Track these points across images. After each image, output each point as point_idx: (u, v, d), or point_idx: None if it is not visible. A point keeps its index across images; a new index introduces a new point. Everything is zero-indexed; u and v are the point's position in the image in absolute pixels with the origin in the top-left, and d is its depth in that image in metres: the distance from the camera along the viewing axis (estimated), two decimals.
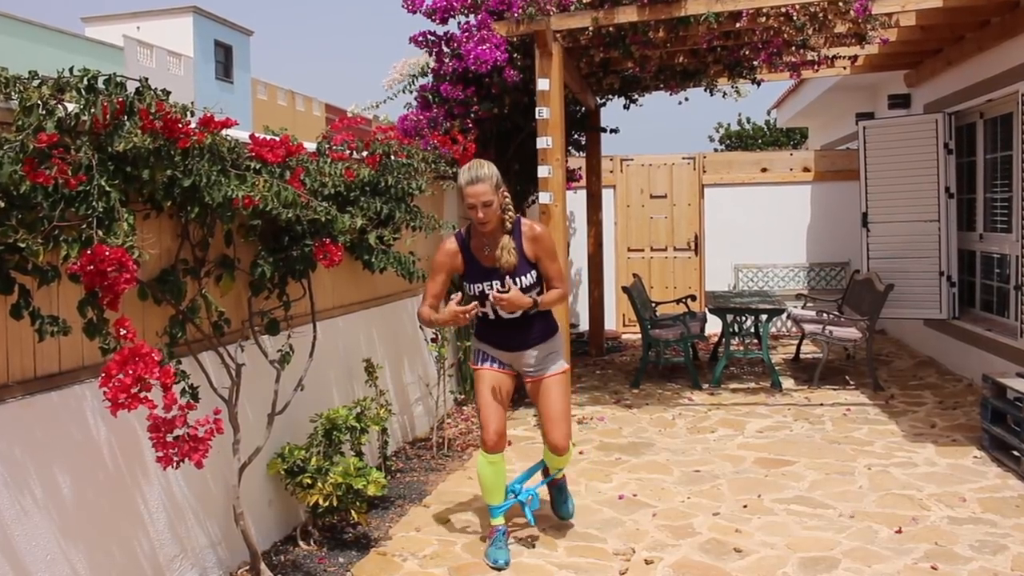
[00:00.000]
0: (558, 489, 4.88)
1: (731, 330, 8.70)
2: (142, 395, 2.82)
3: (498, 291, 4.27)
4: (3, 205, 2.69)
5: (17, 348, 3.04)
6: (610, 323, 11.48)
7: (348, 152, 5.14)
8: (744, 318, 8.80)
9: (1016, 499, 5.07)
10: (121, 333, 2.89)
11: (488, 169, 4.24)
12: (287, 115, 41.44)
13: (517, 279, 4.31)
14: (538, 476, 4.94)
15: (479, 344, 4.59)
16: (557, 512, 4.89)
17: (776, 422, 6.98)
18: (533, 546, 4.56)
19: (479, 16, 6.93)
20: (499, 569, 4.32)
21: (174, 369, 3.44)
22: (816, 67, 8.38)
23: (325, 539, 4.66)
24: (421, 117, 7.29)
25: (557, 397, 4.53)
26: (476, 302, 4.34)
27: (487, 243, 4.34)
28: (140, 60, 32.43)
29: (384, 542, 4.65)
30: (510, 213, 4.33)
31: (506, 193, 4.33)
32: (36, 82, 2.88)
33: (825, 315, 8.77)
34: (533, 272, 4.37)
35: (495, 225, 4.29)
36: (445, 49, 7.33)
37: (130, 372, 2.79)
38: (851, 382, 8.40)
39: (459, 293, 4.27)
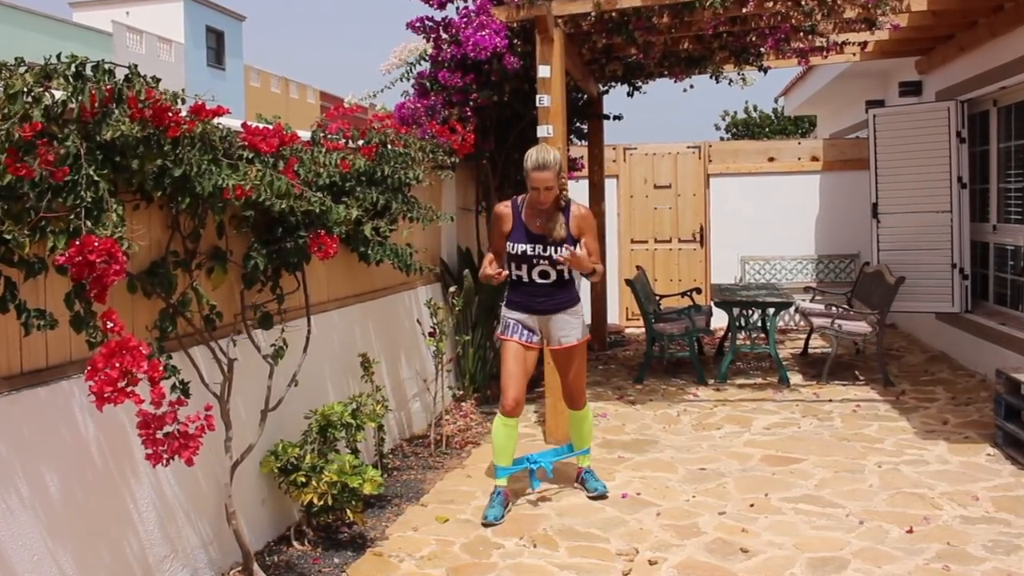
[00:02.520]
0: (584, 477, 5.41)
1: (737, 324, 8.69)
2: (129, 389, 2.81)
3: (567, 249, 4.90)
4: None
5: (3, 342, 3.04)
6: (613, 317, 11.48)
7: (343, 141, 5.13)
8: (751, 312, 8.79)
9: None
10: (108, 326, 2.88)
11: (554, 156, 4.90)
12: (280, 103, 41.34)
13: (561, 248, 4.95)
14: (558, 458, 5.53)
15: (509, 314, 5.17)
16: (587, 488, 5.33)
17: (784, 418, 6.98)
18: (535, 546, 4.57)
19: (478, 1, 6.91)
20: (487, 525, 4.84)
21: (164, 363, 3.45)
22: (825, 53, 8.36)
23: (320, 539, 4.66)
24: (419, 105, 7.28)
25: (579, 364, 5.24)
26: (504, 270, 5.00)
27: (538, 215, 5.00)
28: (129, 46, 32.34)
29: (380, 542, 4.66)
30: (566, 193, 5.05)
31: (564, 176, 5.08)
32: (22, 69, 2.87)
33: (834, 309, 8.76)
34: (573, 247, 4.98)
35: (553, 206, 4.97)
36: (443, 35, 7.31)
37: (117, 366, 2.78)
38: (861, 377, 8.40)
39: (491, 255, 5.12)
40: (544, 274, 5.05)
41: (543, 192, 4.88)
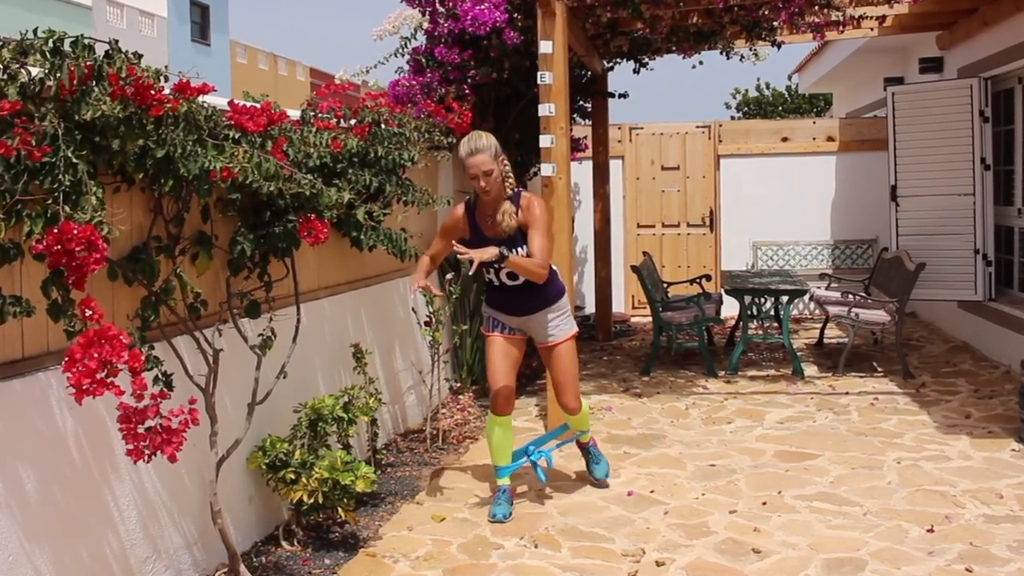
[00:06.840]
0: (587, 451, 5.51)
1: (749, 313, 8.69)
2: (108, 380, 2.80)
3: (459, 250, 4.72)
4: None
5: None
6: (618, 305, 11.48)
7: (335, 120, 5.11)
8: (763, 300, 8.78)
9: None
10: (87, 314, 2.87)
11: (486, 140, 4.82)
12: (269, 80, 41.26)
13: (515, 249, 4.83)
14: (552, 442, 5.52)
15: (489, 311, 5.18)
16: (592, 475, 5.46)
17: (798, 412, 6.99)
18: (536, 546, 4.57)
19: None
20: (496, 522, 4.88)
21: (145, 355, 3.44)
22: (841, 28, 8.32)
23: (310, 539, 4.66)
24: (414, 82, 7.25)
25: (568, 362, 5.14)
26: (426, 285, 4.96)
27: (490, 212, 4.89)
28: (110, 21, 32.23)
29: (373, 542, 4.66)
30: (510, 181, 4.90)
31: (506, 161, 4.90)
32: None
33: (851, 296, 8.75)
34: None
35: (497, 193, 4.85)
36: (440, 8, 7.28)
37: (95, 356, 2.77)
38: (879, 369, 8.40)
39: (426, 259, 5.13)
40: (512, 275, 4.92)
41: (483, 178, 4.75)
